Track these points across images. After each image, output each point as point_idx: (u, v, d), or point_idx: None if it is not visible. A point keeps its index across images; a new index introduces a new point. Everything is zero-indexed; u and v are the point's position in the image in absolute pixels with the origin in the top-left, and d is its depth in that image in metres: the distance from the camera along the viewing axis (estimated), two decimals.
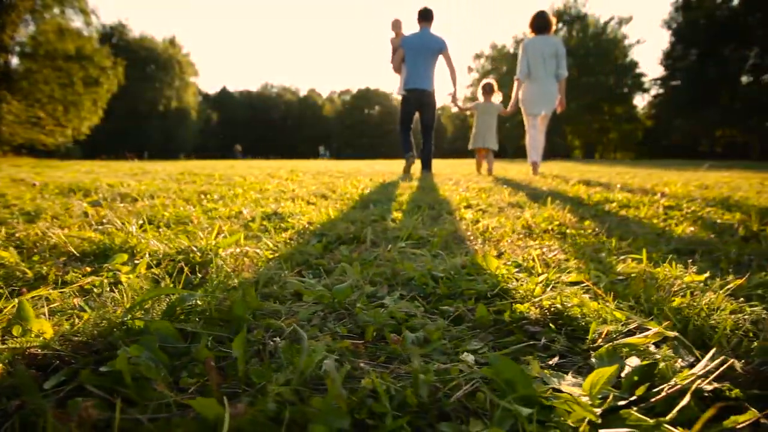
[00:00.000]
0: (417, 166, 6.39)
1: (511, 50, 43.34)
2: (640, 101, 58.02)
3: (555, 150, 42.61)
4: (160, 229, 1.74)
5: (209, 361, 0.53)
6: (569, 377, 0.65)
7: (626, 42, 39.88)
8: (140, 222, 1.88)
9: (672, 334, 0.72)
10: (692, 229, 1.98)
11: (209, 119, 55.45)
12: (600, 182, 4.83)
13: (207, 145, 52.72)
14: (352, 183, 4.25)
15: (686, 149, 32.88)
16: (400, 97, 5.90)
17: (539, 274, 1.12)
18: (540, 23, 5.25)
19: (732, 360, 0.63)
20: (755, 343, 0.72)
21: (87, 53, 23.95)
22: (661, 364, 0.66)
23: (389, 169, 8.25)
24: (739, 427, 0.51)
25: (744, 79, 31.64)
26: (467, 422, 0.53)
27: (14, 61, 22.03)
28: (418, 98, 5.60)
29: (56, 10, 23.31)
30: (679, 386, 0.57)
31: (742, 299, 1.08)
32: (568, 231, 1.95)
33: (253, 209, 2.21)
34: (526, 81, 5.47)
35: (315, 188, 3.58)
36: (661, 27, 35.93)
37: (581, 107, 39.26)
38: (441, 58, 5.68)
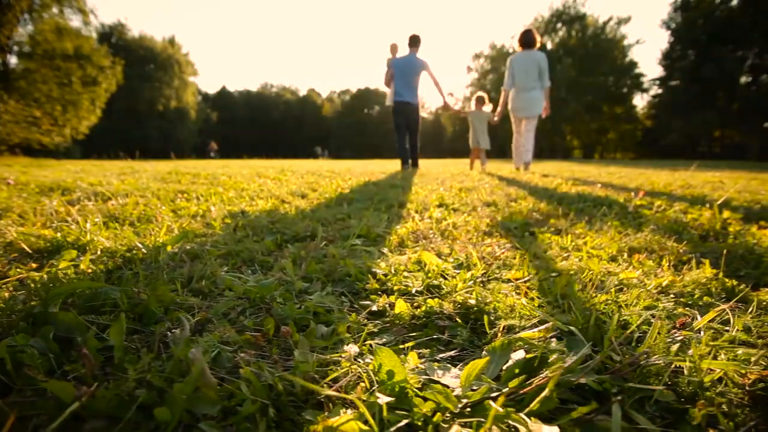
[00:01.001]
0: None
1: (510, 50, 43.28)
2: (640, 101, 57.99)
3: (555, 150, 42.62)
4: (124, 227, 1.76)
5: (80, 348, 0.54)
6: (455, 369, 0.67)
7: (625, 42, 39.83)
8: (104, 220, 1.90)
9: (567, 328, 0.73)
10: (653, 227, 1.99)
11: (208, 119, 55.45)
12: (586, 181, 4.84)
13: (207, 145, 52.70)
14: (337, 182, 4.27)
15: (685, 149, 32.86)
16: (391, 106, 6.98)
17: (470, 271, 1.13)
18: (526, 39, 6.04)
19: (608, 353, 0.65)
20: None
21: (85, 53, 23.93)
22: (552, 357, 0.67)
23: (381, 168, 8.26)
24: (587, 417, 0.53)
25: (743, 79, 31.57)
26: (333, 410, 0.55)
27: (12, 60, 22.08)
28: (405, 108, 6.73)
29: (55, 10, 23.32)
30: (546, 378, 0.59)
31: (672, 296, 1.10)
32: (531, 229, 1.97)
33: (222, 208, 2.22)
34: (513, 90, 6.26)
35: (296, 187, 3.60)
36: (660, 27, 35.81)
37: (580, 107, 39.24)
38: (428, 75, 6.76)
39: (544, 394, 0.54)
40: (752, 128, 30.86)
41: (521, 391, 0.58)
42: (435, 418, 0.52)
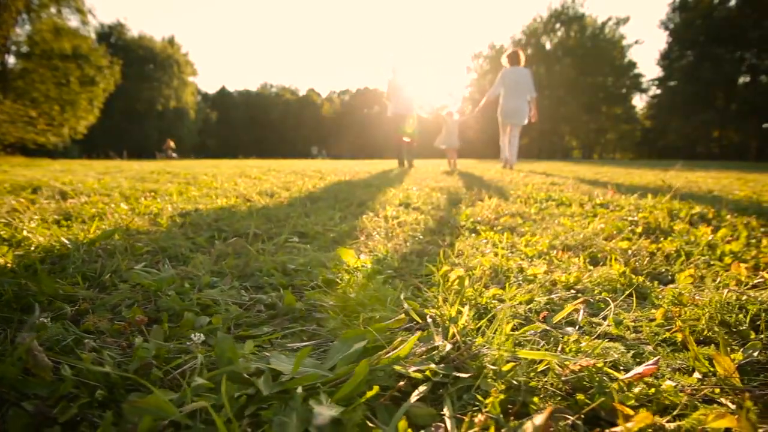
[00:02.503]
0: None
1: (510, 50, 43.21)
2: (639, 102, 57.80)
3: (554, 150, 42.59)
4: (75, 224, 1.79)
5: None
6: (307, 360, 0.69)
7: (624, 42, 39.78)
8: (58, 218, 1.94)
9: (422, 320, 0.76)
10: (602, 225, 2.02)
11: (208, 119, 55.50)
12: (567, 180, 4.86)
13: (206, 144, 52.87)
14: (313, 182, 4.30)
15: (684, 150, 32.84)
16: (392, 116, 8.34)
17: (380, 266, 1.16)
18: (513, 58, 7.15)
19: (443, 343, 0.68)
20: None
21: (83, 52, 24.00)
22: (403, 346, 0.70)
23: (369, 169, 8.31)
24: (378, 402, 0.56)
25: (741, 80, 31.54)
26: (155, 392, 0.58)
27: (11, 60, 22.19)
28: (404, 118, 8.07)
29: (53, 9, 23.40)
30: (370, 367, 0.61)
31: (573, 291, 1.13)
32: (478, 227, 2.00)
33: (177, 206, 2.25)
34: (502, 100, 7.17)
35: (269, 186, 3.63)
36: (659, 27, 35.78)
37: (579, 107, 39.21)
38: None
39: (351, 380, 0.57)
40: (751, 129, 30.82)
41: (343, 378, 0.61)
42: (240, 401, 0.55)
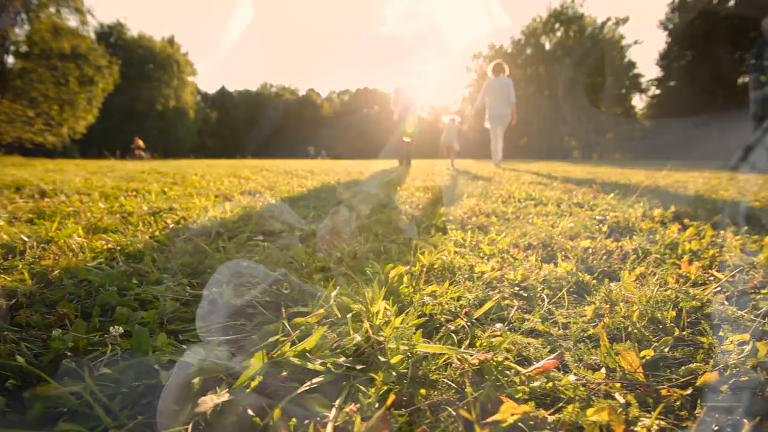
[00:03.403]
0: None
1: (509, 50, 43.25)
2: (639, 102, 57.68)
3: (553, 150, 42.56)
4: (46, 223, 1.82)
5: None
6: (221, 352, 0.72)
7: (624, 42, 39.73)
8: (32, 217, 1.96)
9: (341, 314, 0.78)
10: (571, 224, 2.04)
11: (208, 119, 55.54)
12: (555, 179, 4.89)
13: (206, 144, 52.91)
14: (300, 181, 4.33)
15: (684, 150, 32.79)
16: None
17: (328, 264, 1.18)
18: (497, 69, 7.96)
19: (350, 337, 0.70)
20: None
21: (82, 52, 24.05)
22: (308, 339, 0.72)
23: (362, 169, 8.33)
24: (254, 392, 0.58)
25: (741, 80, 31.51)
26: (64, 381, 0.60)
27: (9, 60, 22.24)
28: (404, 118, 8.66)
29: (52, 9, 23.46)
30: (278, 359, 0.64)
31: (518, 288, 1.15)
32: (448, 226, 2.02)
33: (151, 206, 2.28)
34: (488, 107, 8.02)
35: (254, 186, 3.65)
36: (658, 28, 35.76)
37: (578, 108, 39.18)
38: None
39: (246, 372, 0.59)
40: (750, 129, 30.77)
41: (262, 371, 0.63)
42: (138, 389, 0.57)
